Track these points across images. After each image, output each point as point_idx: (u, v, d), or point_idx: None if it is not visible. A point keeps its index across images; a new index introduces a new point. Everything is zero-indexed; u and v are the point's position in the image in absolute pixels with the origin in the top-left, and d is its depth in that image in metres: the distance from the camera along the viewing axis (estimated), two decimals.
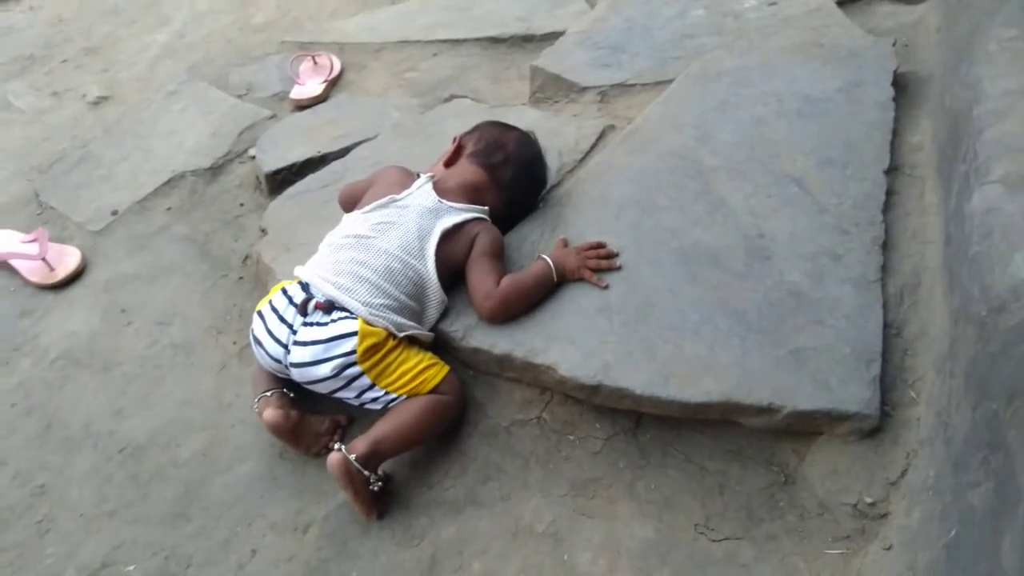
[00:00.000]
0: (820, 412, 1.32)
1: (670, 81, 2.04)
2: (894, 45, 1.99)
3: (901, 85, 1.89)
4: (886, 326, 1.42)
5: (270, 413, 1.44)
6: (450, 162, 1.72)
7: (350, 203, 1.70)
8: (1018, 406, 0.97)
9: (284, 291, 1.49)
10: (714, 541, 1.31)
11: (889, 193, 1.64)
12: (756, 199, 1.64)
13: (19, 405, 1.70)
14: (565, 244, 1.61)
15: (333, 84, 2.59)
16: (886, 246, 1.54)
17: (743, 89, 1.92)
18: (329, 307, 1.44)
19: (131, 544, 1.43)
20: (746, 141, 1.77)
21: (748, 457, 1.40)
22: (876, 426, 1.32)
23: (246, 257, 1.97)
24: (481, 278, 1.52)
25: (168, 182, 2.20)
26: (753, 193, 1.65)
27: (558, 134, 1.97)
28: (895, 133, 1.76)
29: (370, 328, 1.42)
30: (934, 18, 2.13)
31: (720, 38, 2.21)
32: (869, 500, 1.28)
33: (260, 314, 1.49)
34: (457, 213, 1.59)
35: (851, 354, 1.37)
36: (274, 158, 2.16)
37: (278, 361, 1.46)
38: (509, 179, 1.69)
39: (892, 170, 1.69)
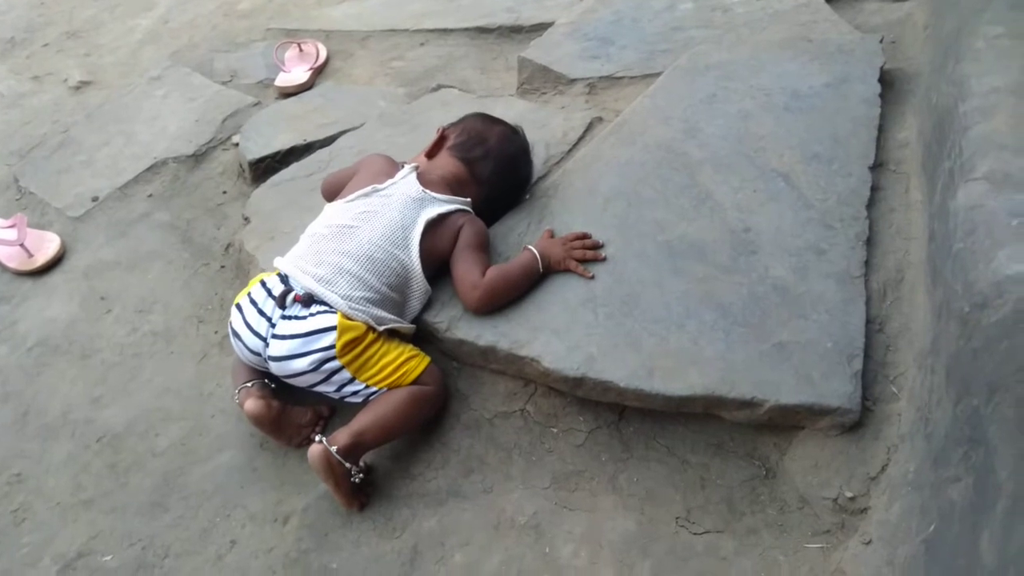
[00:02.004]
0: (802, 406, 1.32)
1: (658, 74, 2.03)
2: (881, 42, 1.99)
3: (888, 81, 1.89)
4: (869, 321, 1.42)
5: (252, 403, 1.43)
6: (431, 153, 1.70)
7: (332, 193, 1.68)
8: (999, 402, 0.97)
9: (263, 283, 1.47)
10: (695, 534, 1.31)
11: (874, 189, 1.64)
12: (742, 193, 1.64)
13: None
14: (551, 235, 1.60)
15: (319, 72, 2.57)
16: (870, 242, 1.54)
17: (731, 83, 1.92)
18: (308, 300, 1.43)
19: (108, 534, 1.42)
20: (733, 135, 1.77)
21: (730, 451, 1.40)
22: (857, 421, 1.33)
23: (228, 245, 1.95)
24: (467, 269, 1.51)
25: (150, 168, 2.17)
26: (739, 187, 1.65)
27: (545, 126, 1.97)
28: (881, 129, 1.76)
29: (349, 322, 1.41)
30: (921, 15, 2.13)
31: (708, 32, 2.21)
32: (849, 494, 1.29)
33: (239, 306, 1.48)
34: (441, 204, 1.58)
35: (833, 349, 1.37)
36: (258, 145, 2.14)
37: (257, 354, 1.45)
38: (487, 175, 1.67)
39: (877, 166, 1.69)
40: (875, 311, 1.45)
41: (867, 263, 1.50)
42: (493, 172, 1.68)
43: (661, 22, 2.29)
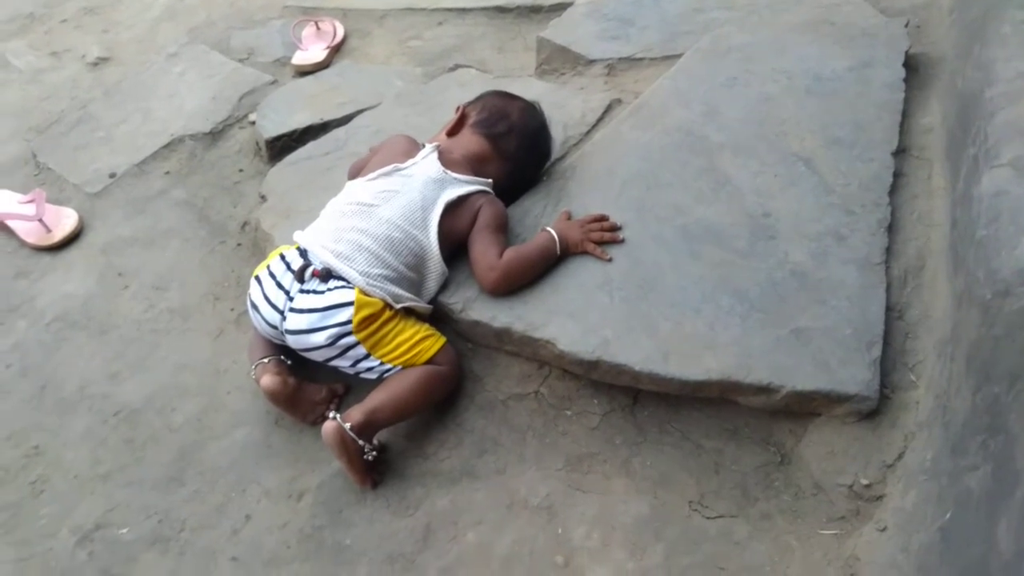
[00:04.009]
0: (819, 393, 1.32)
1: (679, 56, 2.01)
2: (906, 25, 1.96)
3: (912, 66, 1.87)
4: (888, 308, 1.41)
5: (268, 379, 1.44)
6: (453, 131, 1.69)
7: (356, 176, 1.68)
8: (1020, 390, 0.96)
9: (282, 256, 1.48)
10: (708, 518, 1.31)
11: (896, 175, 1.62)
12: (762, 177, 1.62)
13: (14, 366, 1.69)
14: (568, 217, 1.59)
15: (336, 50, 2.55)
16: (891, 228, 1.53)
17: (752, 66, 1.89)
18: (326, 275, 1.43)
19: (125, 507, 1.43)
20: (754, 118, 1.75)
21: (745, 436, 1.39)
22: (875, 408, 1.32)
23: (245, 223, 1.95)
24: (484, 250, 1.50)
25: (167, 146, 2.17)
26: (759, 171, 1.63)
27: (564, 107, 1.95)
28: (904, 114, 1.74)
29: (366, 298, 1.41)
30: None
31: (730, 13, 2.18)
32: (865, 482, 1.28)
33: (258, 279, 1.48)
34: (461, 185, 1.57)
35: (852, 335, 1.36)
36: (275, 124, 2.14)
37: (274, 327, 1.45)
38: (512, 150, 1.67)
39: (900, 151, 1.67)
40: (895, 298, 1.44)
41: (888, 250, 1.49)
42: (518, 147, 1.67)
43: (682, 3, 2.26)
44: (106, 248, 1.94)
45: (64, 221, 1.99)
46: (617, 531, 1.31)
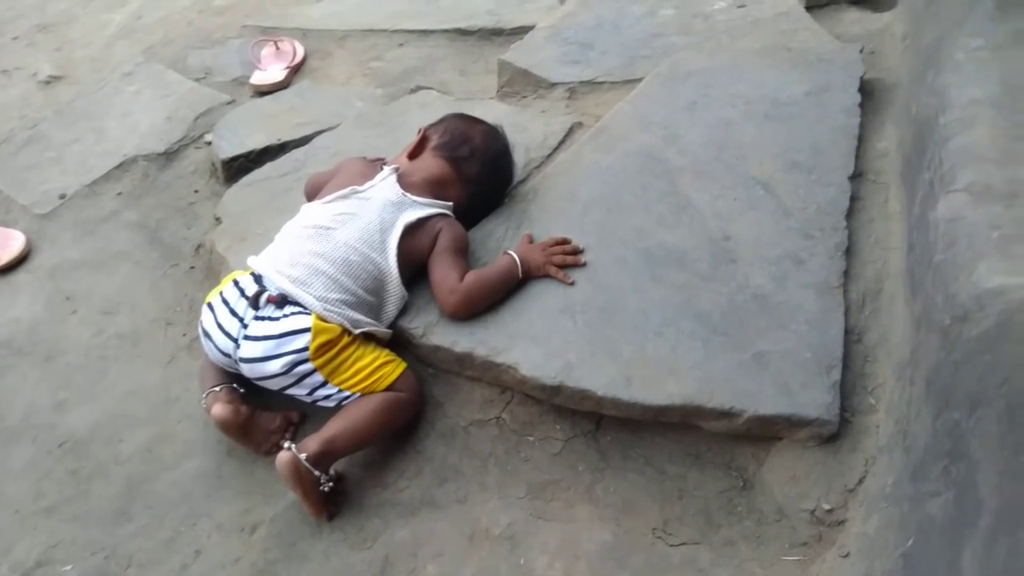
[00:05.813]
0: (780, 417, 1.31)
1: (639, 80, 2.02)
2: (861, 51, 2.00)
3: (867, 91, 1.90)
4: (847, 332, 1.41)
5: (219, 408, 1.39)
6: (414, 154, 1.68)
7: (314, 194, 1.65)
8: (981, 416, 0.96)
9: (236, 283, 1.44)
10: (672, 546, 1.30)
11: (853, 199, 1.64)
12: (722, 201, 1.63)
13: None
14: (530, 240, 1.58)
15: (295, 71, 2.53)
16: (849, 252, 1.54)
17: (711, 90, 1.91)
18: (282, 301, 1.40)
19: (69, 543, 1.38)
20: (713, 142, 1.76)
21: (707, 461, 1.38)
22: (835, 432, 1.32)
23: (199, 246, 1.91)
24: (445, 273, 1.48)
25: (120, 166, 2.13)
26: (719, 195, 1.64)
27: (525, 130, 1.95)
28: (861, 139, 1.76)
29: (324, 324, 1.38)
30: (900, 26, 2.14)
31: (689, 38, 2.20)
32: (827, 507, 1.28)
33: (210, 306, 1.44)
34: (421, 207, 1.56)
35: (812, 359, 1.37)
36: (231, 144, 2.10)
37: (227, 356, 1.41)
38: (474, 174, 1.65)
39: (857, 176, 1.69)
40: (854, 321, 1.45)
41: (846, 273, 1.50)
42: (480, 170, 1.66)
43: (642, 28, 2.28)
44: (54, 271, 1.88)
45: (11, 243, 1.94)
46: (581, 560, 1.29)
